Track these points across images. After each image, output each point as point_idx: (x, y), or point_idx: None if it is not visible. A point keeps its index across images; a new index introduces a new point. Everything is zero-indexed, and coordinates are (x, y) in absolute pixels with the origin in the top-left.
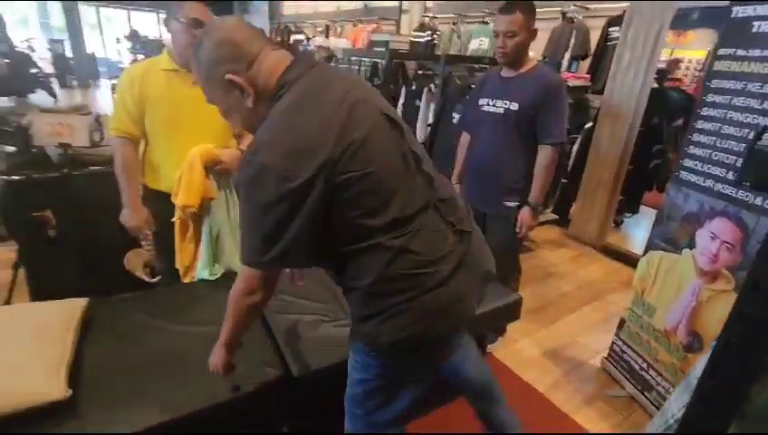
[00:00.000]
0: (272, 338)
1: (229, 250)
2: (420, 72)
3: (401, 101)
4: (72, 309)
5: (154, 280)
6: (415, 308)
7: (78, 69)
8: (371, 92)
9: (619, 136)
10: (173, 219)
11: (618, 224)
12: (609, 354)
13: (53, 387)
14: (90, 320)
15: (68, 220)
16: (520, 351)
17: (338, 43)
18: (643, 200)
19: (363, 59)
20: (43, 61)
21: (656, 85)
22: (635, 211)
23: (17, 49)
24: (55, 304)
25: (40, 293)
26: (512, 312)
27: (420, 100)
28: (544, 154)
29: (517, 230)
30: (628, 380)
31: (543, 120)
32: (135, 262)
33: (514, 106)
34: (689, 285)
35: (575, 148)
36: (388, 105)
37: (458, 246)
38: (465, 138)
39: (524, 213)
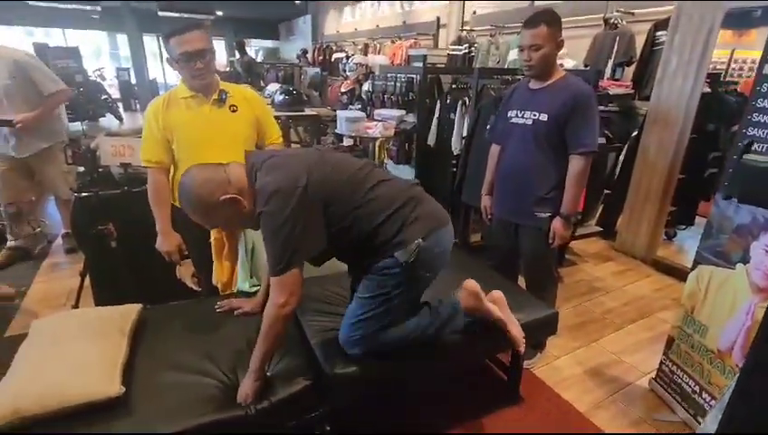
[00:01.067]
0: (306, 344)
1: (264, 264)
2: (455, 85)
3: (436, 114)
4: (127, 314)
5: (201, 289)
6: (420, 216)
7: (141, 94)
8: (321, 149)
9: (668, 144)
10: (210, 239)
11: (671, 237)
12: (657, 375)
13: (109, 385)
14: (142, 324)
15: (127, 233)
16: (560, 368)
17: (376, 60)
18: (699, 211)
19: (398, 75)
20: (112, 87)
21: (707, 90)
22: (690, 223)
23: (90, 78)
24: (113, 309)
25: (103, 298)
26: (546, 327)
27: (455, 113)
28: (575, 164)
29: (550, 241)
30: (679, 403)
31: (573, 130)
32: (185, 272)
33: (544, 117)
34: (744, 302)
35: (621, 157)
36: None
37: (412, 183)
38: (494, 149)
39: (557, 223)
